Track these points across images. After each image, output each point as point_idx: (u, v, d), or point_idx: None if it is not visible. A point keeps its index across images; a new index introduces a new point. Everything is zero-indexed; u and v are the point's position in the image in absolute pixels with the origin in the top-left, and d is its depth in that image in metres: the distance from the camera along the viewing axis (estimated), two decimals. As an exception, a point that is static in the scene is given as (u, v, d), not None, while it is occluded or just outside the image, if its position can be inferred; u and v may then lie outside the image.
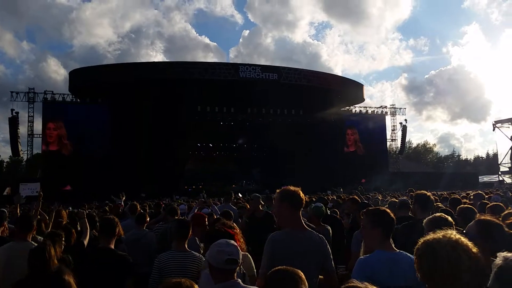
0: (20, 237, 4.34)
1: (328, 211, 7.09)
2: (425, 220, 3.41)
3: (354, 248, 4.92)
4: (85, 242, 4.76)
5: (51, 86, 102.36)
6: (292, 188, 3.48)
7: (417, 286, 2.92)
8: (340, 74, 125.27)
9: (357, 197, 7.30)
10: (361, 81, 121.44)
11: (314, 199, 9.16)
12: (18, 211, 6.87)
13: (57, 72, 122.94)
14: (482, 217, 2.80)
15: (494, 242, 2.57)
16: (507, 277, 1.53)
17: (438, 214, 3.48)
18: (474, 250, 1.80)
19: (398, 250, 3.07)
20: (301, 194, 3.44)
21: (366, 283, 1.76)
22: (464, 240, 1.83)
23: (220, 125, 41.19)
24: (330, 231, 5.68)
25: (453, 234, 1.87)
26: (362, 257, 3.09)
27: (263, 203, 7.30)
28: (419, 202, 4.87)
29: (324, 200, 7.18)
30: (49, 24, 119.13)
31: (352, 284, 1.78)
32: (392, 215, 3.19)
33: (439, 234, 1.89)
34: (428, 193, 5.09)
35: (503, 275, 1.55)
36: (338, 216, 7.03)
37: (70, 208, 12.08)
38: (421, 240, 1.92)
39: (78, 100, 37.45)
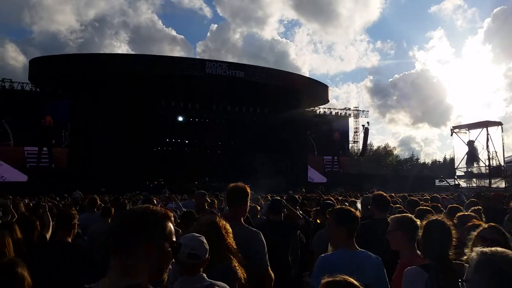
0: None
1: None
2: (391, 217, 3.51)
3: (314, 247, 4.97)
4: (48, 236, 4.65)
5: (9, 73, 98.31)
6: (232, 185, 3.70)
7: (378, 284, 3.02)
8: (307, 73, 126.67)
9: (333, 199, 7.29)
10: (327, 81, 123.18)
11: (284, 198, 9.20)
12: None
13: (15, 59, 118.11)
14: (431, 218, 2.92)
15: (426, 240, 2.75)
16: (484, 268, 1.72)
17: (405, 214, 3.59)
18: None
19: (360, 249, 3.15)
20: (237, 190, 3.63)
21: (343, 276, 1.81)
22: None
23: (184, 121, 40.80)
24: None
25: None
26: (323, 255, 3.14)
27: (209, 200, 7.21)
28: (376, 203, 5.02)
29: (294, 199, 7.18)
30: (7, 7, 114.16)
31: (332, 279, 1.82)
32: (356, 214, 3.27)
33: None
34: (385, 194, 5.25)
35: (480, 267, 1.72)
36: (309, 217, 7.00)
37: (26, 201, 11.71)
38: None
39: (38, 90, 36.18)
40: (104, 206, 6.69)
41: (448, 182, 43.11)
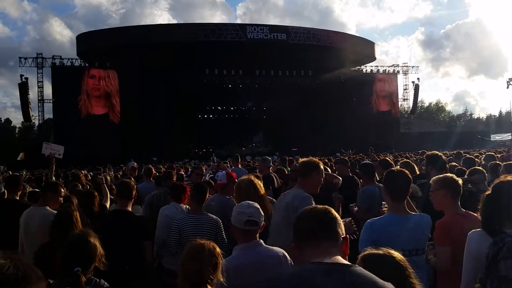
0: (40, 202, 4.44)
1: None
2: (433, 178, 3.44)
3: (359, 203, 5.04)
4: (107, 205, 4.87)
5: (57, 48, 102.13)
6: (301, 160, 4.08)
7: (424, 247, 2.97)
8: (354, 29, 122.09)
9: (389, 159, 7.12)
10: (376, 36, 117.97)
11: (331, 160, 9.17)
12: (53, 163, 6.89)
13: (61, 34, 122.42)
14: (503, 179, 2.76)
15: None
16: None
17: (446, 174, 3.49)
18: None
19: (411, 213, 3.06)
20: (301, 164, 3.94)
21: (384, 248, 1.75)
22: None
23: (229, 88, 40.91)
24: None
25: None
26: (369, 220, 3.08)
27: (272, 165, 7.26)
28: (431, 162, 4.90)
29: (344, 162, 7.15)
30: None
31: (369, 251, 1.76)
32: (407, 174, 3.13)
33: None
34: (440, 154, 5.10)
35: None
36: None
37: (84, 171, 12.29)
38: None
39: (87, 65, 37.32)
40: (158, 176, 6.93)
41: (486, 140, 40.70)
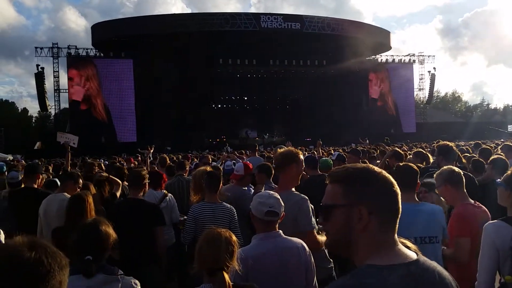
0: (59, 190, 4.56)
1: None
2: (436, 173, 3.43)
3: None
4: (118, 194, 4.96)
5: (72, 37, 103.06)
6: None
7: (437, 236, 2.98)
8: (370, 18, 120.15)
9: (400, 151, 7.06)
10: (393, 25, 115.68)
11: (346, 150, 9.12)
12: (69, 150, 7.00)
13: (76, 23, 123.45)
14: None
15: None
16: None
17: (448, 167, 3.47)
18: None
19: (420, 202, 3.09)
20: (276, 157, 3.65)
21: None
22: None
23: (242, 78, 40.85)
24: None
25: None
26: None
27: None
28: (442, 153, 4.89)
29: (357, 152, 7.14)
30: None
31: None
32: (413, 167, 3.17)
33: None
34: (451, 144, 5.08)
35: None
36: None
37: (102, 160, 12.49)
38: None
39: (102, 55, 37.59)
40: (168, 165, 7.00)
41: (501, 130, 39.52)
